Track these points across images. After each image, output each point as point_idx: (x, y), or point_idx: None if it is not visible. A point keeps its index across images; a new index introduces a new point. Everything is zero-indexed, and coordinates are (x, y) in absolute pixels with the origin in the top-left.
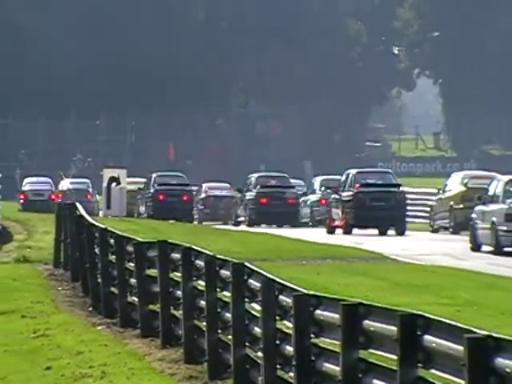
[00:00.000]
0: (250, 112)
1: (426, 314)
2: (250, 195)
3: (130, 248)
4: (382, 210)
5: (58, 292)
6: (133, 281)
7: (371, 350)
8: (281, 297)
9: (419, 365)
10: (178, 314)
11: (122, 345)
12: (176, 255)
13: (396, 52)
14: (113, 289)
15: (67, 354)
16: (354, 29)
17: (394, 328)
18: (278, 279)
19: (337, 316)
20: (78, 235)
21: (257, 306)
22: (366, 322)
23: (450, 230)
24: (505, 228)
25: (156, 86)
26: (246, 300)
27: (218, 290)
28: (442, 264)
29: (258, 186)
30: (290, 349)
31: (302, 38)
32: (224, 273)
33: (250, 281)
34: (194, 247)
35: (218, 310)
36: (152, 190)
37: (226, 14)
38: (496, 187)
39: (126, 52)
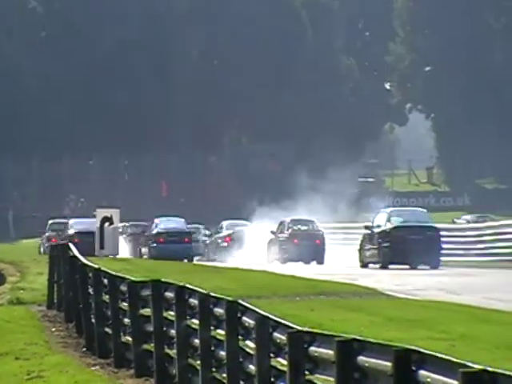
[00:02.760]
0: (243, 149)
1: (421, 349)
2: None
3: (123, 288)
4: None
5: (52, 333)
6: (127, 320)
7: None
8: (275, 334)
9: None
10: (172, 352)
11: None
12: (169, 294)
13: (388, 87)
14: (107, 329)
15: None
16: (345, 64)
17: (389, 363)
18: (271, 316)
19: (331, 352)
20: (71, 276)
21: (251, 344)
22: (361, 358)
23: None
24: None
25: (148, 124)
26: (240, 338)
27: (211, 328)
28: (435, 299)
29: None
30: None
31: (294, 75)
32: (218, 311)
33: (244, 318)
34: (187, 286)
35: (212, 348)
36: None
37: (219, 52)
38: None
39: (117, 92)
